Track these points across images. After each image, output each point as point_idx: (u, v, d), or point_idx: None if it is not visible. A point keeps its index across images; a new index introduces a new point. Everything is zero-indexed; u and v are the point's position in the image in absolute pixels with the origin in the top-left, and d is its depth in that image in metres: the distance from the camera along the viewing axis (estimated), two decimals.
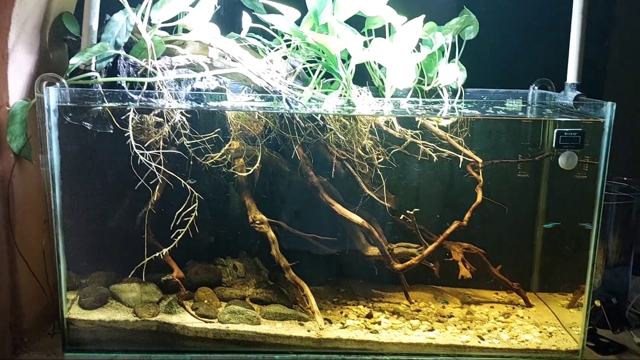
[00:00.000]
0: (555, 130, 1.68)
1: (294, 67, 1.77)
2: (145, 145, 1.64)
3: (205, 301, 1.84)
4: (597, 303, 1.90)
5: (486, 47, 1.95)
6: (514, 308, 1.99)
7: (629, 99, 2.15)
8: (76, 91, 1.57)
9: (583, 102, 1.73)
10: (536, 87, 1.98)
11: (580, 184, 1.80)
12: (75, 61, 1.55)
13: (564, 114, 1.78)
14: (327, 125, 1.80)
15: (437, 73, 1.85)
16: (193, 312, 1.78)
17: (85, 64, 1.61)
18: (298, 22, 1.73)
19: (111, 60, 1.65)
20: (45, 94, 1.55)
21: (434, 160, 1.89)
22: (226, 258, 1.99)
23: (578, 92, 1.75)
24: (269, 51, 1.77)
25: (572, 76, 1.79)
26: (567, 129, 1.67)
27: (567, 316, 1.93)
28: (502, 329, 1.85)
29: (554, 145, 1.69)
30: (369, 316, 1.87)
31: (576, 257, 1.83)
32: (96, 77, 1.60)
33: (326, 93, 1.68)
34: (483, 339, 1.78)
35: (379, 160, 1.89)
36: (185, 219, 1.70)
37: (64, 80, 1.57)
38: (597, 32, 1.95)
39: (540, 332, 1.84)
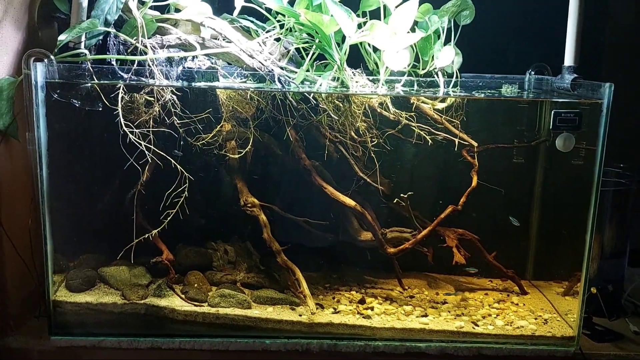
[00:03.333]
0: (553, 112, 1.66)
1: (287, 49, 1.75)
2: (135, 124, 1.61)
3: (196, 285, 1.81)
4: (593, 290, 1.87)
5: (482, 32, 1.93)
6: (508, 295, 1.97)
7: (625, 83, 2.14)
8: (64, 67, 1.54)
9: (580, 84, 1.71)
10: (532, 72, 1.96)
11: (577, 170, 1.79)
12: (64, 37, 1.52)
13: (562, 97, 1.75)
14: (320, 107, 1.78)
15: (433, 57, 1.83)
16: (182, 296, 1.75)
17: (75, 42, 1.58)
18: (292, 3, 1.71)
19: (101, 38, 1.62)
20: (33, 70, 1.52)
21: (429, 144, 1.86)
22: (217, 242, 1.96)
23: (575, 75, 1.73)
24: (262, 33, 1.75)
25: (569, 59, 1.77)
26: (564, 110, 1.65)
27: (563, 304, 1.91)
28: (497, 315, 1.83)
29: (551, 127, 1.66)
30: (362, 302, 1.84)
31: (572, 244, 1.81)
32: (85, 55, 1.57)
33: (320, 75, 1.66)
34: (477, 325, 1.76)
35: (373, 144, 1.87)
36: (175, 200, 1.67)
37: (52, 57, 1.54)
38: (594, 15, 1.93)
39: (536, 319, 1.82)
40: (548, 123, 1.72)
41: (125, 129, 1.59)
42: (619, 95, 1.63)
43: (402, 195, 1.84)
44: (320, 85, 1.63)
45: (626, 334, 1.82)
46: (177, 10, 1.73)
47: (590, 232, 1.68)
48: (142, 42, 1.59)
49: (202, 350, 1.67)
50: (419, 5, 1.72)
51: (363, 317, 1.76)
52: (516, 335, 1.73)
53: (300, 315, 1.74)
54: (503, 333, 1.74)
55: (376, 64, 1.78)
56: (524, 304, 1.91)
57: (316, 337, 1.70)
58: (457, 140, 1.86)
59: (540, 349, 1.71)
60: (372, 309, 1.81)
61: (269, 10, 1.72)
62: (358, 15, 1.73)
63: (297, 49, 1.74)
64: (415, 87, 1.75)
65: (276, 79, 1.62)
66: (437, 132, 1.86)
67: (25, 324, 1.73)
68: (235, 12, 1.72)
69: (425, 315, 1.79)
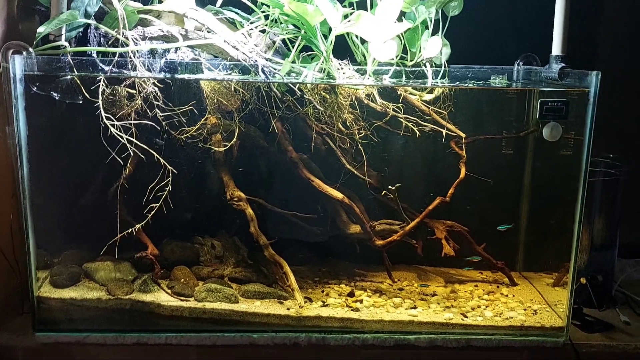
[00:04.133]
0: (539, 101, 1.65)
1: (273, 41, 1.73)
2: (116, 118, 1.59)
3: (182, 280, 1.79)
4: (583, 280, 1.87)
5: (471, 24, 1.92)
6: (498, 287, 1.96)
7: (614, 74, 2.13)
8: (44, 60, 1.52)
9: (568, 73, 1.69)
10: (521, 63, 1.94)
11: (566, 160, 1.78)
12: (43, 29, 1.50)
13: (549, 86, 1.74)
14: (306, 99, 1.76)
15: (420, 48, 1.81)
16: (169, 290, 1.73)
17: (55, 34, 1.56)
18: None
19: (81, 30, 1.60)
20: (11, 62, 1.49)
21: (417, 135, 1.85)
22: (204, 237, 1.94)
23: (563, 64, 1.71)
24: (247, 25, 1.72)
25: (556, 48, 1.75)
26: (551, 99, 1.64)
27: (553, 294, 1.90)
28: (486, 306, 1.82)
29: (538, 116, 1.65)
30: (351, 294, 1.83)
31: (561, 235, 1.80)
32: (65, 47, 1.55)
33: (306, 67, 1.64)
34: (466, 317, 1.75)
35: (360, 136, 1.85)
36: (160, 194, 1.65)
37: (30, 49, 1.51)
38: (583, 4, 1.92)
39: (525, 309, 1.81)
40: (536, 113, 1.71)
41: (107, 122, 1.56)
42: (609, 85, 1.62)
43: (390, 187, 1.83)
44: (306, 76, 1.61)
45: (616, 324, 1.81)
46: (160, 2, 1.70)
47: (578, 222, 1.66)
48: (123, 34, 1.57)
49: (189, 345, 1.65)
50: None
51: (352, 310, 1.75)
52: (505, 326, 1.72)
53: (288, 309, 1.72)
54: (492, 324, 1.73)
55: (364, 55, 1.76)
56: (514, 295, 1.90)
57: (304, 330, 1.69)
58: (444, 132, 1.84)
59: (530, 339, 1.70)
60: (361, 301, 1.80)
61: (254, 1, 1.69)
62: (345, 6, 1.71)
63: (284, 41, 1.72)
64: (403, 78, 1.73)
65: (260, 70, 1.60)
66: (425, 124, 1.85)
67: (9, 321, 1.71)
68: (219, 3, 1.70)
69: (415, 308, 1.78)
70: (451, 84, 1.75)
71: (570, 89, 1.66)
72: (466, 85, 1.74)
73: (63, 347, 1.64)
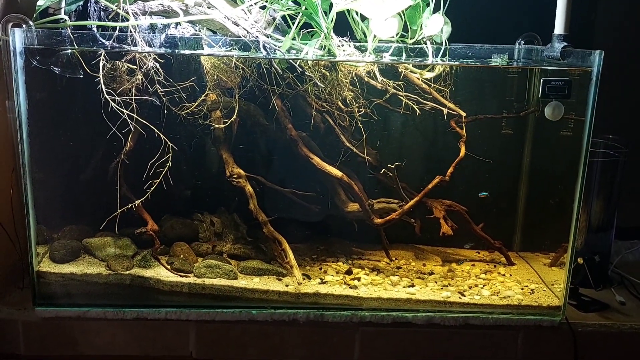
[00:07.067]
0: (542, 80, 1.64)
1: (273, 17, 1.72)
2: (117, 93, 1.59)
3: (181, 256, 1.80)
4: (580, 260, 1.88)
5: (472, 2, 1.91)
6: (495, 266, 1.97)
7: (614, 56, 2.13)
8: (44, 33, 1.51)
9: (570, 52, 1.68)
10: (522, 42, 1.93)
11: (566, 141, 1.78)
12: (43, 2, 1.49)
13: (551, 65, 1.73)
14: (307, 76, 1.75)
15: (421, 26, 1.80)
16: (168, 266, 1.74)
17: (55, 8, 1.54)
18: None
19: (81, 3, 1.58)
20: (11, 36, 1.48)
21: (417, 114, 1.84)
22: (203, 213, 1.95)
23: (565, 43, 1.70)
24: (247, 0, 1.71)
25: (559, 27, 1.74)
26: (553, 78, 1.63)
27: (550, 274, 1.91)
28: (484, 285, 1.83)
29: (540, 96, 1.65)
30: (349, 272, 1.84)
31: (559, 215, 1.80)
32: (65, 21, 1.53)
33: (306, 44, 1.63)
34: (464, 295, 1.76)
35: (360, 113, 1.85)
36: (160, 170, 1.65)
37: (30, 22, 1.50)
38: None
39: (522, 289, 1.82)
40: (537, 93, 1.71)
41: (107, 97, 1.56)
42: (610, 65, 1.62)
43: (389, 165, 1.83)
44: (307, 53, 1.60)
45: (612, 304, 1.83)
46: None
47: (578, 202, 1.67)
48: (123, 8, 1.56)
49: (188, 320, 1.67)
50: None
51: (350, 288, 1.76)
52: (503, 305, 1.74)
53: (287, 286, 1.73)
54: (490, 303, 1.74)
55: (364, 33, 1.75)
56: (511, 275, 1.92)
57: (303, 307, 1.70)
58: (445, 111, 1.84)
59: (527, 318, 1.72)
60: (358, 279, 1.81)
61: None
62: None
63: (284, 18, 1.71)
64: (404, 56, 1.73)
65: (261, 47, 1.59)
66: (425, 102, 1.84)
67: (10, 295, 1.72)
68: None
69: (412, 286, 1.79)
70: (452, 62, 1.74)
71: (573, 68, 1.66)
72: (461, 63, 1.73)
73: (63, 322, 1.65)
